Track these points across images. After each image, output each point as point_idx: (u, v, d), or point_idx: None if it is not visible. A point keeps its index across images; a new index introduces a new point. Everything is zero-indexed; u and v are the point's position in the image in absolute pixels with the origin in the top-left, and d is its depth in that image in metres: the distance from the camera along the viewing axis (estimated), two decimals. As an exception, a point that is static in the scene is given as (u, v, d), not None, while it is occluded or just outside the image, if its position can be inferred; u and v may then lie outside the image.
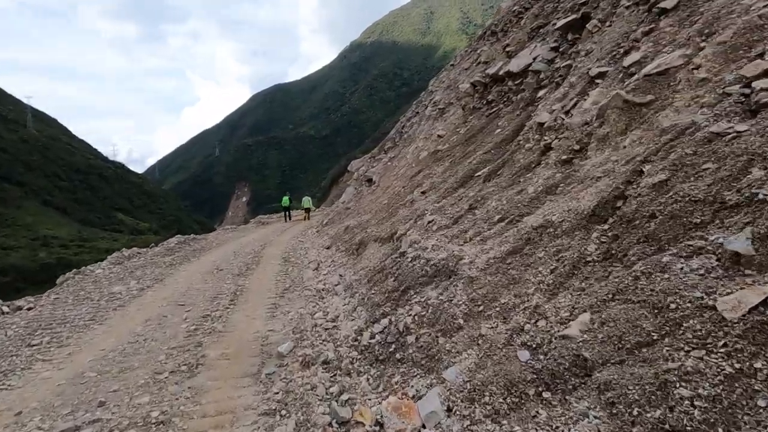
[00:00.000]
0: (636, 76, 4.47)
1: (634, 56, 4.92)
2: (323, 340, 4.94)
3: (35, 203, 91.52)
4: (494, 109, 10.07)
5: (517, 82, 9.21)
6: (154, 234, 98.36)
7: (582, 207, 3.62)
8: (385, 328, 4.30)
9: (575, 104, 5.47)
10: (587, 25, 7.19)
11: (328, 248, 10.92)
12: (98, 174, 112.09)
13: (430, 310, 3.97)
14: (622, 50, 5.44)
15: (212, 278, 8.79)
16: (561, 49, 8.03)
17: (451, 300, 3.86)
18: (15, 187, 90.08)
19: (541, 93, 7.61)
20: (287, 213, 23.62)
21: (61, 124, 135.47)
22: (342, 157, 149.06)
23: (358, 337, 4.60)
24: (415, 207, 8.10)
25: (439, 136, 11.81)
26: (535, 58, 8.44)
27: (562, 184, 4.39)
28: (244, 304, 6.81)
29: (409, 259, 5.59)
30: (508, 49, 10.86)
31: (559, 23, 8.22)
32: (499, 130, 8.35)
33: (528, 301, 3.19)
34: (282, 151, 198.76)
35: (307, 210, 23.18)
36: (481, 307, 3.50)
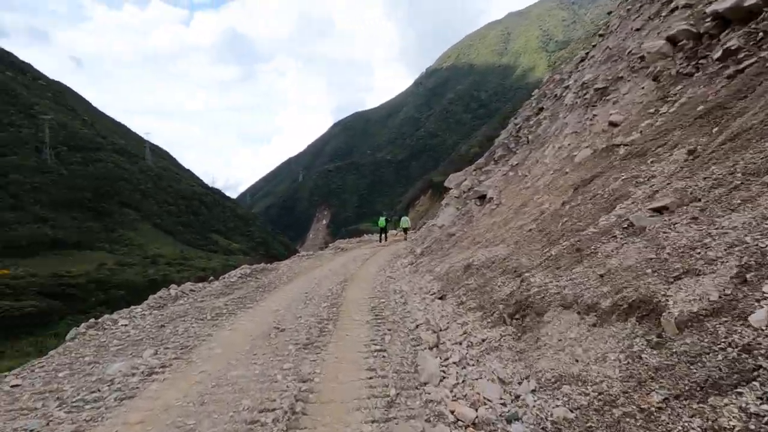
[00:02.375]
0: None
1: None
2: None
3: (148, 225, 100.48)
4: (742, 66, 5.47)
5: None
6: (243, 254, 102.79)
7: None
8: None
9: None
10: None
11: (441, 299, 6.87)
12: (199, 200, 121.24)
13: None
14: None
15: (263, 352, 5.20)
16: None
17: None
18: (133, 212, 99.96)
19: None
20: (384, 233, 23.03)
21: (172, 156, 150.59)
22: (417, 180, 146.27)
23: None
24: (651, 237, 3.79)
25: (611, 124, 7.35)
26: None
27: None
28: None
29: None
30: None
31: None
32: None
33: None
34: (360, 175, 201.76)
35: (406, 230, 22.74)
36: None
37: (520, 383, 3.55)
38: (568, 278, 4.32)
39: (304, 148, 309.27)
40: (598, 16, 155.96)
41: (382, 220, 23.42)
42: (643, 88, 7.34)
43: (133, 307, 8.01)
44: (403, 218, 24.41)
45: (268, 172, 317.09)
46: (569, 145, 8.52)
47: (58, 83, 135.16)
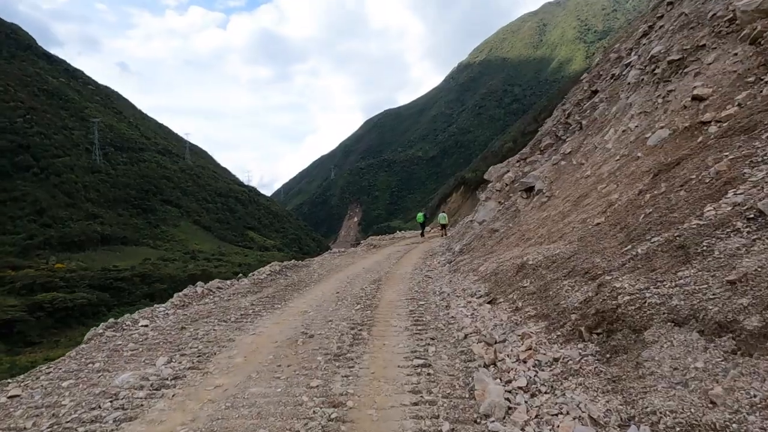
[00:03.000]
0: None
1: None
2: None
3: (188, 222, 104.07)
4: None
5: None
6: (278, 251, 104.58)
7: None
8: None
9: None
10: None
11: (491, 303, 5.92)
12: (235, 197, 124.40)
13: None
14: None
15: (288, 363, 4.47)
16: None
17: None
18: (174, 209, 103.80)
19: None
20: (423, 228, 23.86)
21: (210, 155, 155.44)
22: (449, 177, 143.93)
23: None
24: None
25: (696, 99, 6.12)
26: None
27: None
28: None
29: None
30: None
31: None
32: None
33: None
34: (391, 172, 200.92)
35: (444, 226, 22.79)
36: None
37: (621, 427, 2.60)
38: (674, 284, 3.29)
39: (336, 146, 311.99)
40: (640, 2, 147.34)
41: (420, 216, 24.19)
42: (735, 54, 6.07)
43: (156, 305, 7.53)
44: (440, 214, 24.78)
45: (301, 170, 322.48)
46: (637, 127, 7.31)
47: (107, 88, 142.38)
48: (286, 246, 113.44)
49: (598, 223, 5.67)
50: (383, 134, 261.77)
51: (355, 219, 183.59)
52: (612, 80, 10.30)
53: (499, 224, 10.18)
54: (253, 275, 10.51)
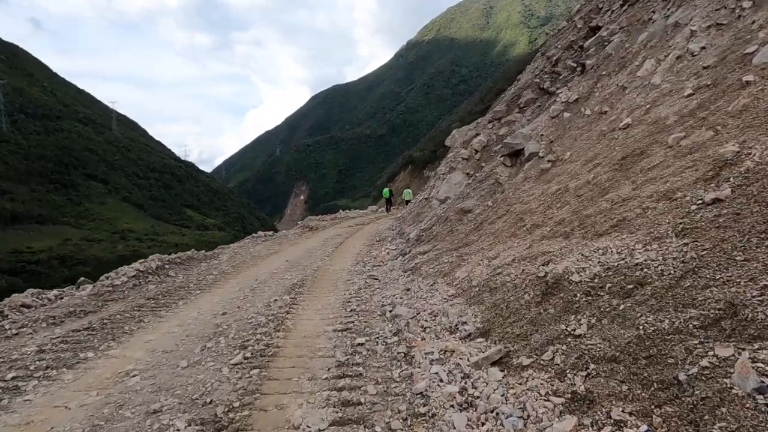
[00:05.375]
0: None
1: None
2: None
3: (116, 200, 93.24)
4: None
5: None
6: (219, 230, 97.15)
7: None
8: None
9: None
10: None
11: (498, 366, 2.78)
12: (171, 173, 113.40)
13: None
14: None
15: None
16: None
17: None
18: (100, 185, 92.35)
19: None
20: (388, 204, 23.78)
21: (141, 127, 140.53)
22: (397, 156, 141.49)
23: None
24: None
25: None
26: None
27: None
28: None
29: None
30: None
31: None
32: None
33: None
34: (339, 150, 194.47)
35: (408, 202, 22.24)
36: None
37: None
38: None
39: (281, 121, 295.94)
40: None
41: (386, 191, 24.45)
42: None
43: None
44: (405, 190, 24.72)
45: (244, 145, 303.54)
46: (704, 49, 4.46)
47: (14, 46, 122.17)
48: (228, 225, 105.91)
49: (718, 200, 2.66)
50: (331, 111, 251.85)
51: (302, 197, 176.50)
52: (626, 6, 7.46)
53: (471, 202, 7.14)
54: (109, 278, 6.64)
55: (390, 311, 4.57)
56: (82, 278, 6.75)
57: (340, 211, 25.21)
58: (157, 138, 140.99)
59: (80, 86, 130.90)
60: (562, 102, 6.94)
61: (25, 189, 77.33)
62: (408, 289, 5.30)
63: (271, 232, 14.19)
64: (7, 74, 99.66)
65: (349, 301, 5.22)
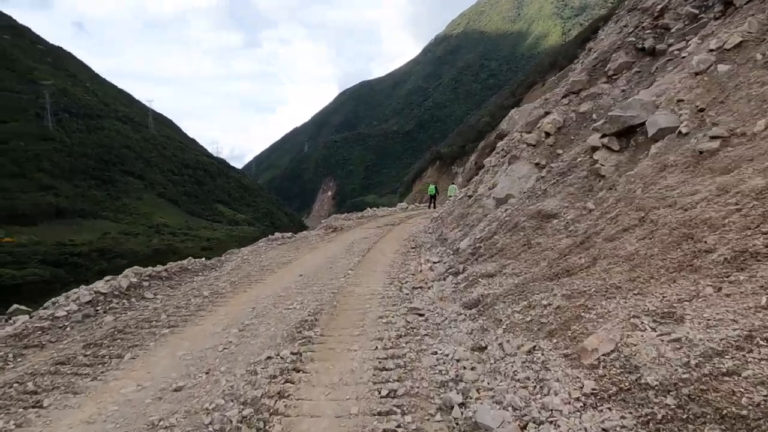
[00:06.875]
0: None
1: None
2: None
3: (152, 195, 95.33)
4: None
5: None
6: (248, 225, 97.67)
7: None
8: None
9: None
10: None
11: None
12: (204, 169, 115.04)
13: None
14: None
15: None
16: None
17: None
18: (137, 181, 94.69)
19: None
20: (433, 201, 23.55)
21: (176, 125, 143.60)
22: (425, 152, 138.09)
23: None
24: None
25: None
26: None
27: None
28: None
29: None
30: None
31: None
32: None
33: None
34: (366, 147, 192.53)
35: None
36: None
37: None
38: None
39: (309, 118, 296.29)
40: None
41: (432, 188, 24.17)
42: None
43: None
44: (450, 186, 23.62)
45: (273, 142, 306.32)
46: None
47: (59, 49, 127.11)
48: (258, 221, 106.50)
49: None
50: (358, 107, 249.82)
51: (329, 193, 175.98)
52: None
53: (553, 203, 4.88)
54: (56, 304, 4.78)
55: (461, 408, 2.37)
56: (15, 306, 4.94)
57: (368, 208, 23.08)
58: (191, 136, 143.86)
59: (119, 86, 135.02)
60: (711, 50, 4.51)
61: (69, 185, 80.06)
62: (482, 348, 3.11)
63: (289, 234, 12.26)
64: (53, 75, 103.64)
65: (384, 369, 3.08)
